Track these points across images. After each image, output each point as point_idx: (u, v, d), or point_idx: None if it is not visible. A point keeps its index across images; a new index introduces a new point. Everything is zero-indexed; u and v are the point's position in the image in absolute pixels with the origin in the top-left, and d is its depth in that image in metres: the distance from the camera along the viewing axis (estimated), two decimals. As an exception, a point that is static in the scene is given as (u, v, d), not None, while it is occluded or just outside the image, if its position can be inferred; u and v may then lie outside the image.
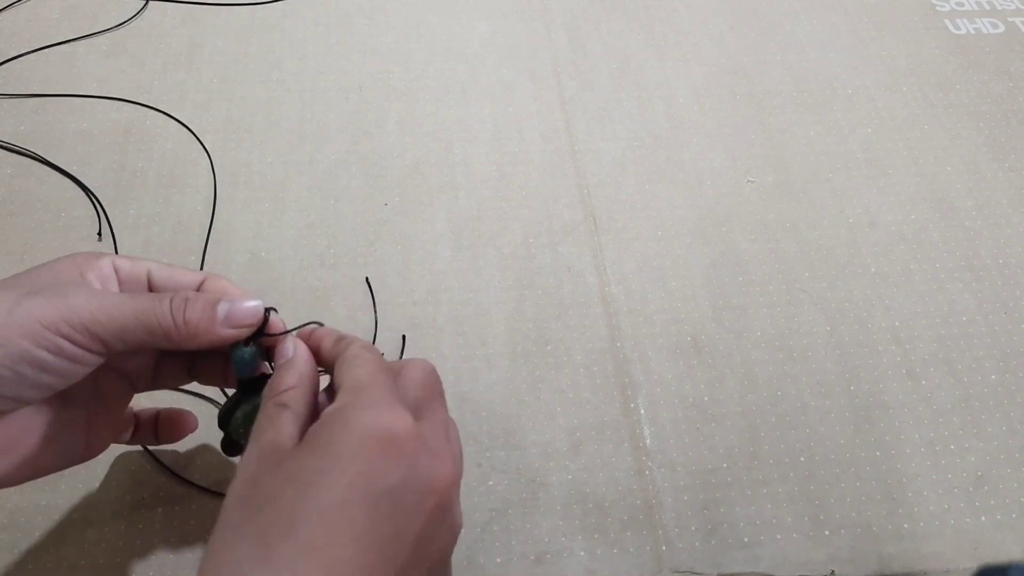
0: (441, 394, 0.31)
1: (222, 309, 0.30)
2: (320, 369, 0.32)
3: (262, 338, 0.31)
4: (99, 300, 0.28)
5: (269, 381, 0.30)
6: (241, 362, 0.31)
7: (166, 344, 0.29)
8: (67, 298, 0.27)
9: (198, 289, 0.32)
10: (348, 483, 0.24)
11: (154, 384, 0.35)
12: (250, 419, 0.31)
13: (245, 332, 0.30)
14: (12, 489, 0.41)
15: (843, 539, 0.42)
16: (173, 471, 0.42)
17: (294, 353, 0.31)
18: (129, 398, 0.35)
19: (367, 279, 0.49)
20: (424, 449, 0.26)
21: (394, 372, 0.30)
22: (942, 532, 0.42)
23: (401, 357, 0.47)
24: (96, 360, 0.29)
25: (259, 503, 0.25)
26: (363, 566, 0.24)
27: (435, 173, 0.55)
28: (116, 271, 0.31)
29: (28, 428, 0.30)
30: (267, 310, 0.31)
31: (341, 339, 0.32)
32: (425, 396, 0.30)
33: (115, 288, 0.31)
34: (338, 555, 0.23)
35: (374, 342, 0.47)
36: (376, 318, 0.48)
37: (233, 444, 0.34)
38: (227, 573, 0.23)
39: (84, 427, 0.32)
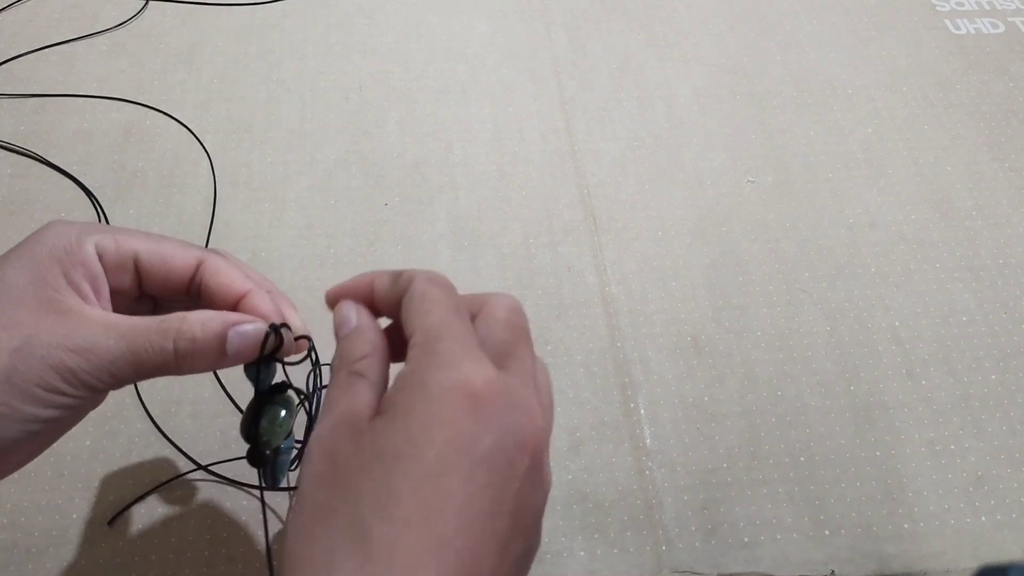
0: (527, 335, 0.27)
1: (232, 344, 0.27)
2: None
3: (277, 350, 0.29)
4: (95, 355, 0.25)
5: (337, 351, 0.27)
6: (255, 377, 0.29)
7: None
8: (61, 357, 0.25)
9: (194, 276, 0.29)
10: (438, 452, 0.22)
11: None
12: (276, 423, 0.30)
13: (252, 358, 0.28)
14: (12, 489, 0.41)
15: (843, 539, 0.42)
16: (187, 456, 0.42)
17: (358, 319, 0.28)
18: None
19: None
20: (513, 405, 0.24)
21: (473, 309, 0.27)
22: (942, 532, 0.42)
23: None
24: (99, 401, 0.28)
25: (344, 481, 0.22)
26: (468, 542, 0.21)
27: (435, 173, 0.55)
28: (101, 258, 0.28)
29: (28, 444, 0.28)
30: (276, 329, 0.28)
31: (399, 276, 0.28)
32: (509, 339, 0.26)
33: (104, 284, 0.28)
34: (440, 532, 0.21)
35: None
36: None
37: (259, 454, 0.32)
38: (321, 560, 0.21)
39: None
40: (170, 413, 0.44)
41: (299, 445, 0.35)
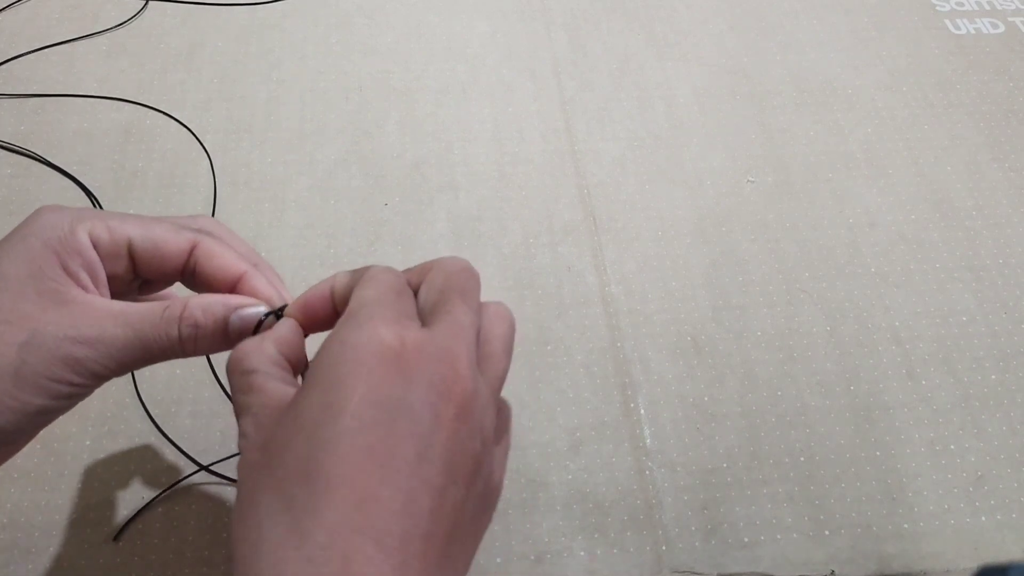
0: (465, 292, 0.27)
1: (234, 328, 0.27)
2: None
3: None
4: (103, 345, 0.26)
5: (227, 362, 0.27)
6: None
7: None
8: (69, 349, 0.25)
9: (188, 259, 0.29)
10: (353, 411, 0.22)
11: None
12: None
13: (248, 335, 0.28)
14: (12, 489, 0.41)
15: (843, 539, 0.42)
16: (187, 456, 0.42)
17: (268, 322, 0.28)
18: None
19: None
20: (434, 357, 0.23)
21: (413, 284, 0.27)
22: (942, 532, 0.42)
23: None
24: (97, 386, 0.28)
25: (272, 462, 0.22)
26: (395, 493, 0.21)
27: (435, 173, 0.55)
28: (95, 246, 0.28)
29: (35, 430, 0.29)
30: (277, 315, 0.29)
31: (358, 271, 0.28)
32: (441, 299, 0.26)
33: (101, 271, 0.28)
34: (363, 487, 0.21)
35: None
36: None
37: None
38: (252, 536, 0.21)
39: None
40: (170, 413, 0.44)
41: None
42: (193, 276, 0.29)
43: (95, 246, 0.28)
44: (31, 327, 0.25)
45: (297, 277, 0.50)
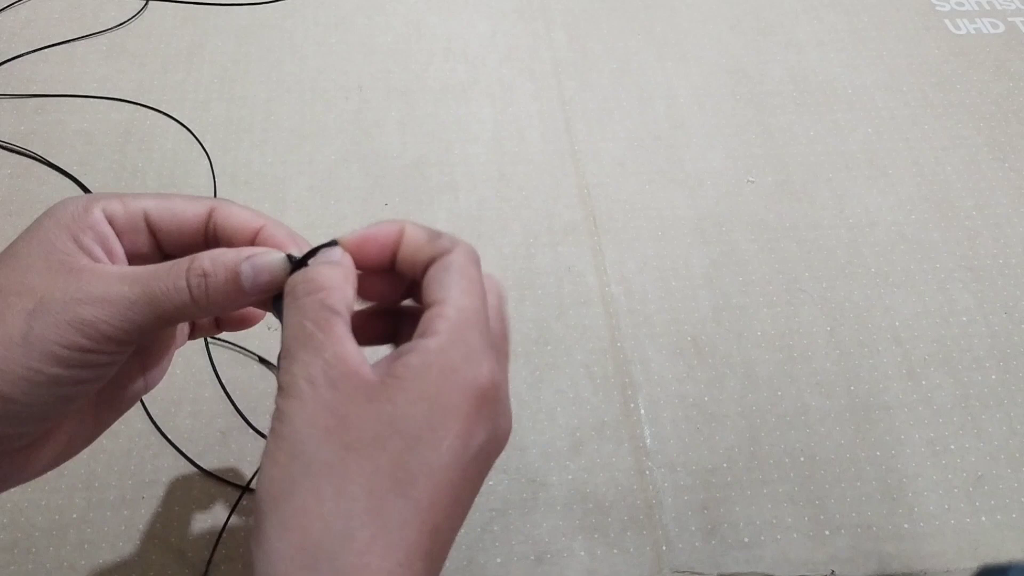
0: (507, 320, 0.28)
1: (247, 276, 0.26)
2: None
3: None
4: (110, 305, 0.25)
5: (302, 273, 0.26)
6: (280, 311, 0.27)
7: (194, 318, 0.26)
8: (76, 310, 0.24)
9: (207, 225, 0.28)
10: (450, 444, 0.23)
11: (190, 338, 0.32)
12: None
13: (276, 288, 0.26)
14: (12, 489, 0.41)
15: (843, 539, 0.42)
16: (186, 458, 0.42)
17: (341, 257, 0.27)
18: (171, 344, 0.32)
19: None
20: (502, 407, 0.25)
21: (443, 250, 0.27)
22: (942, 532, 0.42)
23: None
24: (124, 356, 0.27)
25: (358, 446, 0.22)
26: (451, 529, 0.23)
27: (435, 173, 0.55)
28: (109, 219, 0.27)
29: (60, 433, 0.28)
30: (294, 259, 0.27)
31: (438, 237, 0.27)
32: (501, 331, 0.27)
33: (117, 245, 0.27)
34: (437, 521, 0.22)
35: None
36: None
37: None
38: (334, 523, 0.21)
39: (139, 376, 0.30)
40: (170, 413, 0.44)
41: None
42: (216, 241, 0.28)
43: (111, 222, 0.27)
44: (39, 296, 0.25)
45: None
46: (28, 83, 0.58)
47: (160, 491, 0.41)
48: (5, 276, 0.25)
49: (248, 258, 0.26)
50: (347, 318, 0.24)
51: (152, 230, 0.28)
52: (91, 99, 0.58)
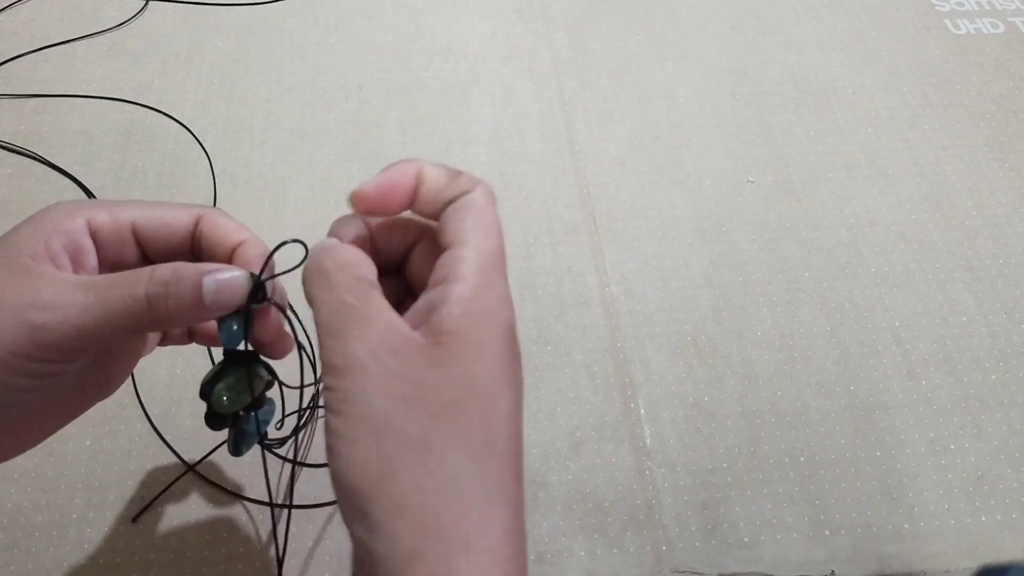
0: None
1: (208, 290, 0.25)
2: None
3: (256, 306, 0.27)
4: (61, 311, 0.24)
5: (334, 252, 0.25)
6: (230, 334, 0.27)
7: (149, 329, 0.26)
8: (27, 315, 0.24)
9: (195, 233, 0.28)
10: (512, 392, 0.24)
11: (160, 344, 0.32)
12: (235, 390, 0.29)
13: (234, 308, 0.26)
14: (12, 489, 0.41)
15: (843, 539, 0.42)
16: (180, 460, 0.42)
17: (355, 229, 0.27)
18: (138, 352, 0.31)
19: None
20: (515, 338, 0.26)
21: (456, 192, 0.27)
22: (942, 532, 0.42)
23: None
24: (79, 365, 0.26)
25: (441, 412, 0.22)
26: (517, 476, 0.24)
27: (435, 173, 0.55)
28: (93, 232, 0.27)
29: (30, 418, 0.27)
30: (261, 281, 0.27)
31: (457, 176, 0.27)
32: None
33: (91, 257, 0.27)
34: (519, 468, 0.23)
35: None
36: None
37: (216, 416, 0.31)
38: (448, 488, 0.22)
39: (102, 377, 0.30)
40: (170, 413, 0.44)
41: (278, 421, 0.34)
42: (200, 252, 0.28)
43: (96, 231, 0.27)
44: None
45: (297, 277, 0.49)
46: (28, 83, 0.58)
47: (162, 491, 0.41)
48: None
49: (211, 272, 0.26)
50: (380, 288, 0.25)
51: (139, 241, 0.28)
52: (91, 99, 0.58)
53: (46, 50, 0.60)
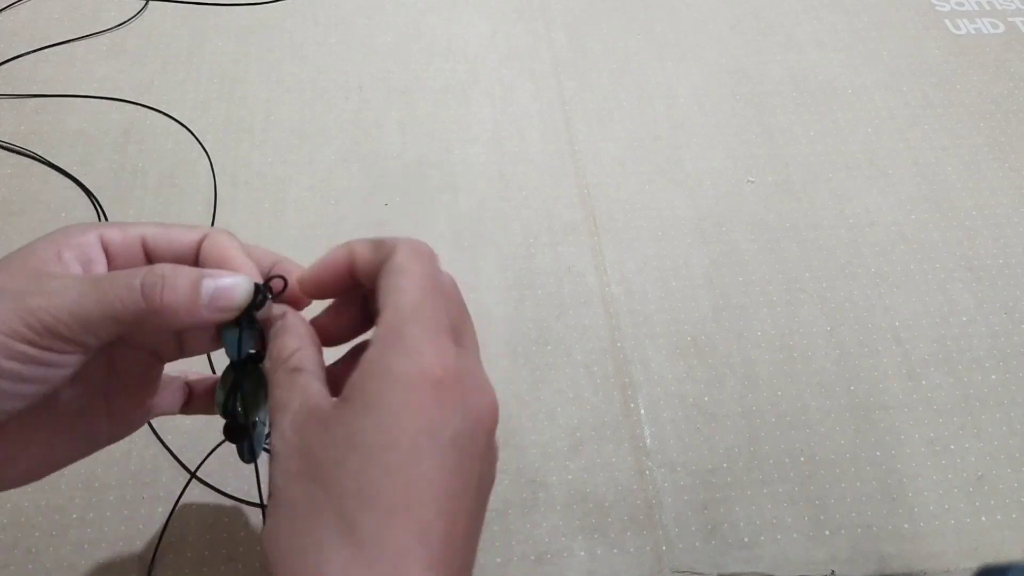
0: (465, 305, 0.28)
1: (207, 289, 0.25)
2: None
3: (259, 313, 0.27)
4: (58, 296, 0.24)
5: (268, 351, 0.27)
6: (233, 343, 0.28)
7: (145, 329, 0.26)
8: (24, 299, 0.24)
9: (197, 251, 0.28)
10: (411, 441, 0.22)
11: (183, 353, 0.31)
12: (253, 397, 0.29)
13: (232, 314, 0.26)
14: (12, 489, 0.41)
15: (843, 539, 0.42)
16: (180, 464, 0.42)
17: (284, 315, 0.27)
18: (157, 371, 0.31)
19: None
20: (471, 387, 0.25)
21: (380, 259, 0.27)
22: (942, 532, 0.42)
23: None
24: (74, 360, 0.26)
25: (323, 475, 0.23)
26: (447, 524, 0.22)
27: (435, 173, 0.55)
28: (105, 246, 0.27)
29: (26, 434, 0.27)
30: (263, 287, 0.27)
31: (381, 244, 0.27)
32: (460, 314, 0.27)
33: (102, 267, 0.27)
34: (422, 518, 0.22)
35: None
36: None
37: (238, 429, 0.30)
38: (311, 553, 0.22)
39: (103, 411, 0.30)
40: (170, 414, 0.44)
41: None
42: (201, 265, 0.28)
43: (108, 244, 0.28)
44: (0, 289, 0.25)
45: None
46: (28, 83, 0.58)
47: (159, 492, 0.41)
48: None
49: (211, 275, 0.26)
50: (313, 369, 0.26)
51: (148, 255, 0.28)
52: (91, 99, 0.58)
53: (46, 50, 0.60)
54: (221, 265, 0.28)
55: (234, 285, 0.26)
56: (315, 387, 0.25)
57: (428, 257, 0.26)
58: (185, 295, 0.25)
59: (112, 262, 0.28)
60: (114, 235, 0.28)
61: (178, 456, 0.42)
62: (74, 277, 0.26)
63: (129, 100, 0.58)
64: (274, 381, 0.26)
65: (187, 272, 0.26)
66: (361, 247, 0.27)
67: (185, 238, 0.28)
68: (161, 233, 0.28)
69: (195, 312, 0.26)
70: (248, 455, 0.31)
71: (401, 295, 0.25)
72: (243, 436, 0.30)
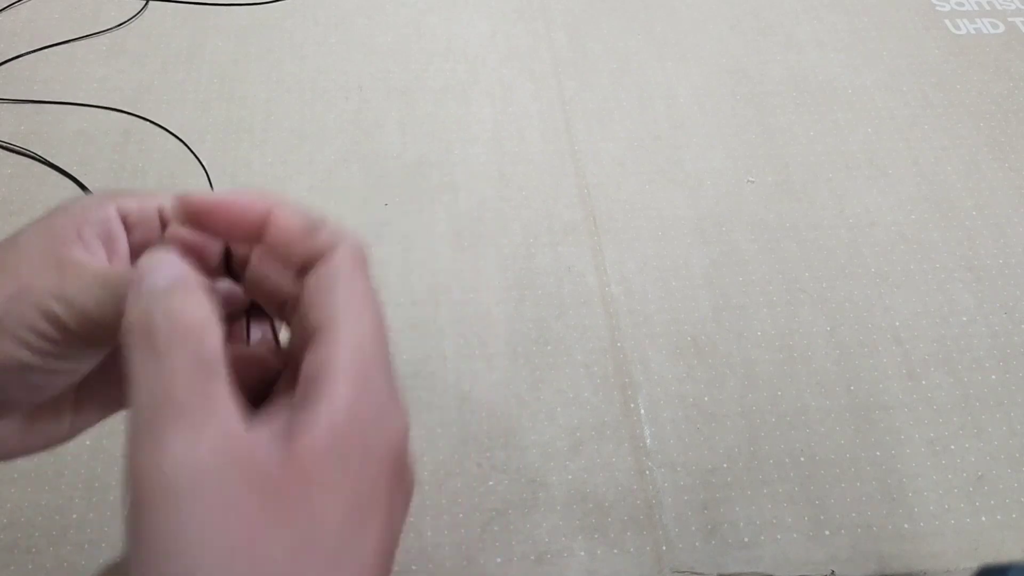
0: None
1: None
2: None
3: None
4: (80, 302, 0.23)
5: (161, 304, 0.19)
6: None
7: None
8: (50, 302, 0.23)
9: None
10: (377, 534, 0.18)
11: None
12: None
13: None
14: (12, 489, 0.41)
15: (843, 539, 0.42)
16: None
17: (186, 275, 0.20)
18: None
19: None
20: (410, 457, 0.21)
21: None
22: (942, 532, 0.42)
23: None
24: (96, 354, 0.25)
25: (269, 570, 0.17)
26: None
27: (435, 173, 0.55)
28: (123, 217, 0.26)
29: (36, 423, 0.27)
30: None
31: (318, 229, 0.21)
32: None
33: (122, 241, 0.26)
34: None
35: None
36: None
37: None
38: None
39: (71, 405, 0.29)
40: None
41: None
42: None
43: (126, 216, 0.27)
44: (23, 283, 0.24)
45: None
46: (28, 83, 0.58)
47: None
48: (2, 256, 0.25)
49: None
50: (226, 373, 0.18)
51: (163, 222, 0.28)
52: (87, 108, 0.58)
53: (46, 50, 0.60)
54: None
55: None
56: (238, 412, 0.18)
57: (368, 267, 0.21)
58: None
59: (131, 233, 0.27)
60: (131, 206, 0.27)
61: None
62: (93, 274, 0.25)
63: (125, 111, 0.58)
64: (169, 363, 0.18)
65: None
66: (287, 214, 0.21)
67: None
68: (177, 198, 0.25)
69: None
70: None
71: (360, 321, 0.19)
72: None
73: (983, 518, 0.43)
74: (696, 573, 0.41)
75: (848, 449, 0.45)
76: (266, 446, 0.18)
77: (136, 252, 0.27)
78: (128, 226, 0.27)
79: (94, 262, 0.26)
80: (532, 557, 0.41)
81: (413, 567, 0.40)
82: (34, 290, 0.24)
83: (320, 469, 0.18)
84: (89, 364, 0.26)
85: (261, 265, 0.22)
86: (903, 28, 0.67)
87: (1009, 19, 0.68)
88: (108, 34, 0.62)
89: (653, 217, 0.54)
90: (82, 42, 0.61)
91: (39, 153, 0.54)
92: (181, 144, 0.56)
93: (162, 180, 0.54)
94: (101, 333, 0.25)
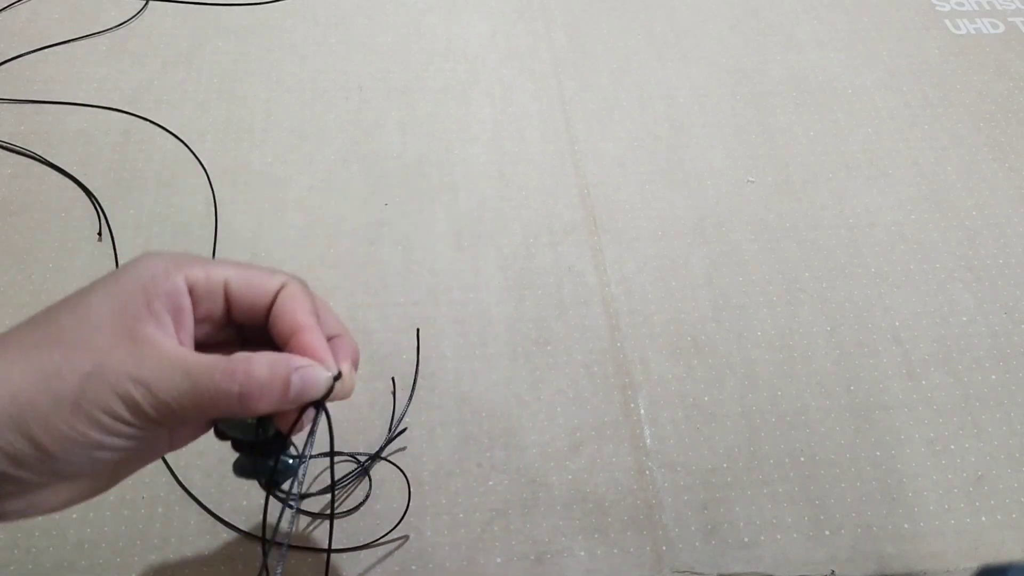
0: None
1: (295, 387, 0.27)
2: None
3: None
4: (160, 392, 0.26)
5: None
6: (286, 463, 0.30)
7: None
8: (129, 386, 0.25)
9: (273, 299, 0.30)
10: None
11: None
12: (287, 468, 0.30)
13: (312, 400, 0.28)
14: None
15: (843, 539, 0.42)
16: (174, 471, 0.42)
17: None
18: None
19: (417, 330, 0.48)
20: None
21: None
22: (942, 532, 0.42)
23: (418, 353, 0.47)
24: (164, 432, 0.28)
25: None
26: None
27: (435, 173, 0.55)
28: (190, 288, 0.28)
29: (77, 482, 0.28)
30: (322, 403, 0.28)
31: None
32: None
33: (188, 314, 0.28)
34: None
35: (412, 398, 0.46)
36: (417, 369, 0.47)
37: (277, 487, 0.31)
38: None
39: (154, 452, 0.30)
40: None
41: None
42: (273, 320, 0.29)
43: (192, 288, 0.28)
44: (98, 360, 0.25)
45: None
46: (28, 83, 0.58)
47: (159, 492, 0.41)
48: (74, 326, 0.26)
49: (298, 369, 0.27)
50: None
51: (228, 299, 0.29)
52: (87, 108, 0.58)
53: (46, 50, 0.60)
54: (294, 332, 0.29)
55: (316, 381, 0.27)
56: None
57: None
58: (277, 398, 0.27)
59: (196, 307, 0.29)
60: (198, 277, 0.28)
61: (175, 470, 0.42)
62: (171, 359, 0.26)
63: (124, 110, 0.58)
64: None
65: (279, 370, 0.27)
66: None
67: (264, 286, 0.29)
68: (243, 278, 0.29)
69: (282, 405, 0.27)
70: (268, 481, 0.30)
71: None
72: (253, 467, 0.30)
73: (983, 518, 0.43)
74: (696, 573, 0.41)
75: (848, 449, 0.45)
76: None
77: (201, 321, 0.29)
78: (194, 299, 0.28)
79: (168, 341, 0.27)
80: (532, 557, 0.41)
81: (413, 567, 0.40)
82: (110, 370, 0.25)
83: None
84: (146, 443, 0.27)
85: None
86: (903, 28, 0.67)
87: (1009, 19, 0.68)
88: (108, 34, 0.62)
89: (653, 217, 0.54)
90: (82, 42, 0.61)
91: (39, 153, 0.54)
92: (181, 144, 0.56)
93: (162, 180, 0.54)
94: (176, 420, 0.26)
